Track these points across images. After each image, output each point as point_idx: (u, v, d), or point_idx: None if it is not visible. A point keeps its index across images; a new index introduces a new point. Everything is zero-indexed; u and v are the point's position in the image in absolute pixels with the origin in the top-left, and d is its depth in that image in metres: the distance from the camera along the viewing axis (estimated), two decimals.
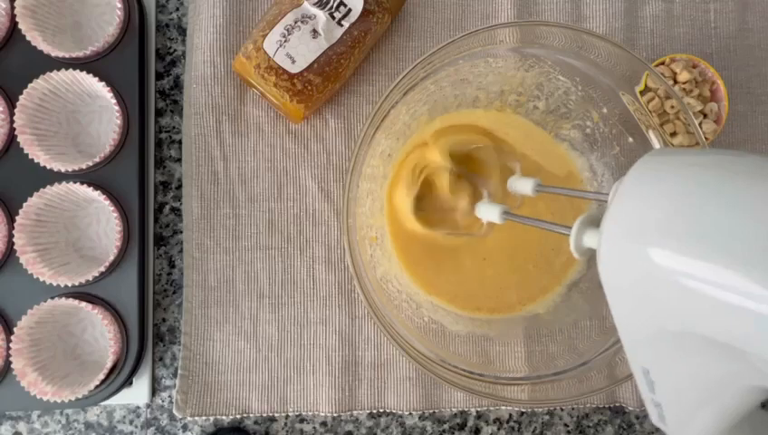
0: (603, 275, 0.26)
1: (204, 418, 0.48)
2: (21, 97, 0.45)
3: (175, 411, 0.47)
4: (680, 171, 0.24)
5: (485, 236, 0.47)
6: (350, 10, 0.45)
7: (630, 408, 0.50)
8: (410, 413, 0.50)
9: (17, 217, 0.44)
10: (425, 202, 0.47)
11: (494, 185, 0.47)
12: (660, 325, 0.24)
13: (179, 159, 0.51)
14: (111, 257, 0.45)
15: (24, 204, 0.45)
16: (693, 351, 0.24)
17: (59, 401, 0.43)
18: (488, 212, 0.41)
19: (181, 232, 0.50)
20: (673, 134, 0.46)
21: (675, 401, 0.27)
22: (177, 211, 0.51)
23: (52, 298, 0.45)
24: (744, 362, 0.22)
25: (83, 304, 0.45)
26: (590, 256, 0.30)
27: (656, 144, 0.43)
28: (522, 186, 0.41)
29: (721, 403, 0.25)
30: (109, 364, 0.45)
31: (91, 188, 0.45)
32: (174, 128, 0.51)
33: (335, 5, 0.45)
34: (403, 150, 0.48)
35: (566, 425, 0.51)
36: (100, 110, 0.50)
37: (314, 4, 0.45)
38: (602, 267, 0.26)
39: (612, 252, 0.26)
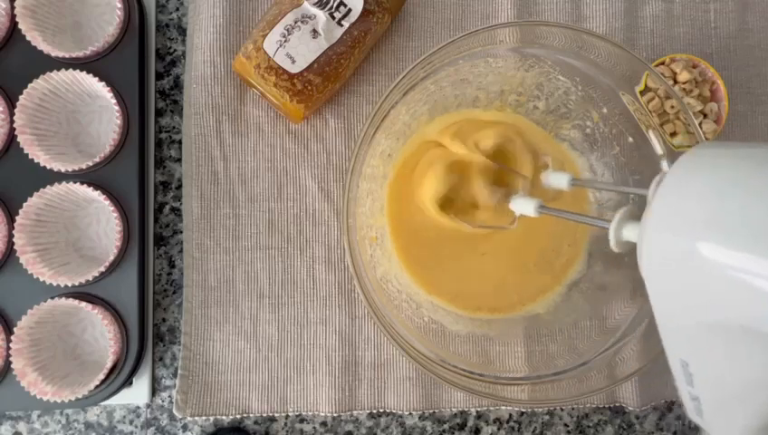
0: (645, 268, 0.26)
1: (204, 418, 0.48)
2: (21, 97, 0.45)
3: (175, 411, 0.47)
4: (728, 165, 0.25)
5: (513, 228, 0.46)
6: (350, 10, 0.45)
7: (630, 408, 0.50)
8: (410, 413, 0.50)
9: (17, 217, 0.44)
10: (451, 196, 0.47)
11: (522, 178, 0.46)
12: (703, 317, 0.25)
13: (179, 159, 0.51)
14: (111, 257, 0.45)
15: (24, 204, 0.45)
16: (735, 343, 0.24)
17: (59, 401, 0.43)
18: (524, 206, 0.40)
19: (181, 232, 0.50)
20: (673, 134, 0.46)
21: (713, 395, 0.27)
22: (177, 211, 0.51)
23: (52, 298, 0.45)
24: None
25: (83, 304, 0.45)
26: (627, 250, 0.30)
27: (656, 144, 0.43)
28: (556, 180, 0.41)
29: (761, 399, 0.25)
30: (109, 364, 0.45)
31: (91, 188, 0.45)
32: (174, 128, 0.51)
33: (335, 5, 0.45)
34: (406, 150, 0.48)
35: (566, 425, 0.51)
36: (100, 110, 0.50)
37: (314, 4, 0.45)
38: (644, 261, 0.26)
39: (655, 245, 0.26)
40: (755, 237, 0.22)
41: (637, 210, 0.30)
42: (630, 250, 0.28)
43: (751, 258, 0.22)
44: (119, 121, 0.47)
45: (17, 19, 0.45)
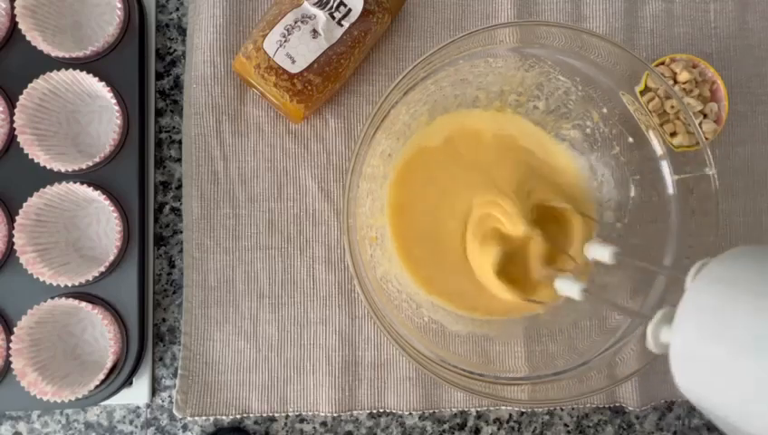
0: (679, 376, 0.26)
1: (204, 418, 0.48)
2: (21, 97, 0.45)
3: (175, 411, 0.47)
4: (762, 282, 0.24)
5: (555, 303, 0.46)
6: (350, 10, 0.45)
7: (630, 408, 0.50)
8: (410, 413, 0.50)
9: (17, 217, 0.44)
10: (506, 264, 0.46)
11: (565, 245, 0.46)
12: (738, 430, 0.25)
13: (179, 159, 0.51)
14: (111, 257, 0.45)
15: (24, 204, 0.44)
16: None
17: (59, 401, 0.43)
18: (569, 288, 0.40)
19: (181, 232, 0.50)
20: (673, 134, 0.46)
21: None
22: (177, 211, 0.51)
23: (52, 298, 0.45)
24: None
25: (83, 304, 0.45)
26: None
27: (656, 144, 0.43)
28: (600, 253, 0.40)
29: None
30: (109, 364, 0.45)
31: (91, 188, 0.45)
32: (174, 128, 0.51)
33: (335, 5, 0.45)
34: (406, 150, 0.48)
35: (566, 425, 0.51)
36: (100, 110, 0.50)
37: (314, 4, 0.45)
38: (677, 367, 0.26)
39: (690, 354, 0.26)
40: None
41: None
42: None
43: None
44: (119, 121, 0.47)
45: (17, 19, 0.45)
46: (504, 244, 0.45)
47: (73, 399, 0.44)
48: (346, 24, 0.45)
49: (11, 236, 0.45)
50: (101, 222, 0.49)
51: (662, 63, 0.50)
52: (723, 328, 0.25)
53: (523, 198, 0.46)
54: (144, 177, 0.48)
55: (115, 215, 0.46)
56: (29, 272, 0.44)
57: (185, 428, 0.49)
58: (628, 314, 0.33)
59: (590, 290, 0.39)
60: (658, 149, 0.43)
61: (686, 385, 0.27)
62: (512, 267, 0.45)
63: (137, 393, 0.48)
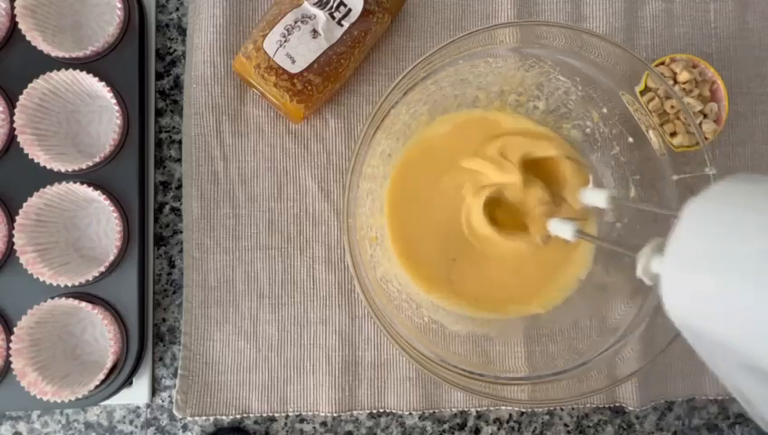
0: (669, 302, 0.26)
1: (204, 418, 0.48)
2: (21, 97, 0.45)
3: (175, 411, 0.47)
4: (761, 205, 0.24)
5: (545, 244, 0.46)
6: (350, 10, 0.45)
7: (630, 408, 0.50)
8: (410, 413, 0.50)
9: (17, 217, 0.44)
10: (494, 207, 0.47)
11: (560, 193, 0.46)
12: (734, 358, 0.24)
13: (179, 159, 0.51)
14: (111, 257, 0.45)
15: (24, 204, 0.45)
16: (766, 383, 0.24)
17: (59, 401, 0.43)
18: (561, 229, 0.40)
19: (181, 232, 0.50)
20: (673, 134, 0.46)
21: None
22: (177, 211, 0.51)
23: (52, 298, 0.45)
24: None
25: (83, 304, 0.45)
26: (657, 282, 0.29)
27: (656, 144, 0.43)
28: (595, 198, 0.40)
29: None
30: (109, 364, 0.45)
31: (91, 188, 0.45)
32: (174, 128, 0.51)
33: (335, 5, 0.45)
34: (406, 150, 0.48)
35: (566, 425, 0.51)
36: (100, 110, 0.50)
37: (314, 4, 0.45)
38: (667, 294, 0.26)
39: (681, 279, 0.25)
40: None
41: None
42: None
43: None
44: (119, 121, 0.47)
45: (17, 19, 0.45)
46: (499, 195, 0.46)
47: (73, 399, 0.44)
48: (346, 24, 0.45)
49: (11, 236, 0.45)
50: (101, 222, 0.49)
51: (662, 63, 0.49)
52: (718, 247, 0.24)
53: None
54: (144, 177, 0.48)
55: (115, 215, 0.46)
56: (29, 272, 0.44)
57: (185, 428, 0.49)
58: (620, 250, 0.33)
59: (583, 231, 0.39)
60: (658, 149, 0.43)
61: (679, 311, 0.26)
62: (508, 219, 0.46)
63: (137, 393, 0.48)
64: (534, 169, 0.47)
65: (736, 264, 0.23)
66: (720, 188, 0.26)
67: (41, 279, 0.44)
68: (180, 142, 0.51)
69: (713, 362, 0.27)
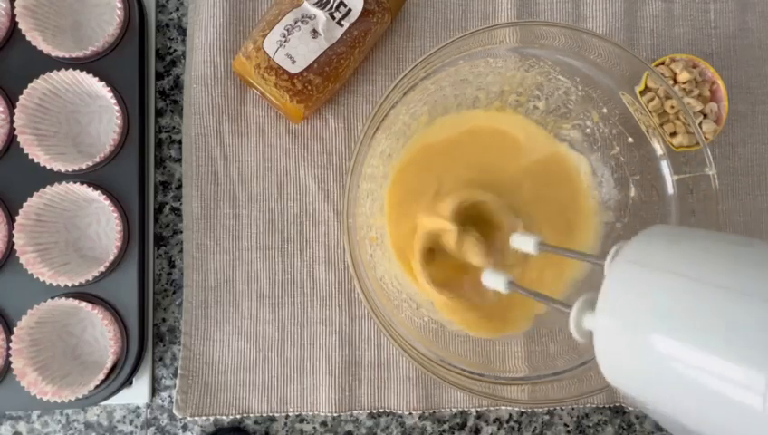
0: (600, 360, 0.27)
1: (204, 418, 0.48)
2: (21, 97, 0.45)
3: (175, 411, 0.47)
4: (681, 254, 0.25)
5: (495, 302, 0.46)
6: (350, 10, 0.45)
7: (630, 408, 0.50)
8: (410, 413, 0.50)
9: (17, 217, 0.44)
10: (438, 263, 0.46)
11: (502, 239, 0.45)
12: (667, 415, 0.25)
13: (179, 159, 0.51)
14: (111, 257, 0.45)
15: (24, 204, 0.45)
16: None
17: (59, 401, 0.43)
18: (494, 281, 0.39)
19: (181, 232, 0.50)
20: (673, 134, 0.46)
21: None
22: (177, 211, 0.51)
23: (52, 298, 0.45)
24: None
25: (83, 304, 0.45)
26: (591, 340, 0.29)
27: (656, 144, 0.43)
28: (523, 243, 0.39)
29: None
30: (109, 364, 0.45)
31: (91, 188, 0.45)
32: (174, 128, 0.51)
33: (335, 5, 0.45)
34: (406, 151, 0.48)
35: (566, 425, 0.51)
36: (100, 110, 0.50)
37: (314, 4, 0.45)
38: (598, 353, 0.27)
39: (607, 337, 0.26)
40: (706, 335, 0.22)
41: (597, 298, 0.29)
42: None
43: (700, 354, 0.22)
44: (119, 121, 0.47)
45: (17, 19, 0.45)
46: (437, 240, 0.46)
47: (73, 399, 0.44)
48: (346, 24, 0.45)
49: (11, 236, 0.45)
50: (101, 222, 0.49)
51: (662, 63, 0.49)
52: (641, 309, 0.25)
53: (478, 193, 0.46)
54: (144, 177, 0.48)
55: (115, 215, 0.46)
56: (29, 272, 0.44)
57: (185, 428, 0.49)
58: (554, 305, 0.33)
59: (516, 282, 0.38)
60: (658, 149, 0.43)
61: (610, 372, 0.27)
62: (453, 273, 0.46)
63: (137, 393, 0.48)
64: (477, 217, 0.46)
65: (653, 318, 0.24)
66: (639, 247, 0.27)
67: (41, 279, 0.44)
68: (180, 142, 0.51)
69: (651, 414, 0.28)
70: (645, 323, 0.25)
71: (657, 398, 0.25)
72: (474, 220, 0.46)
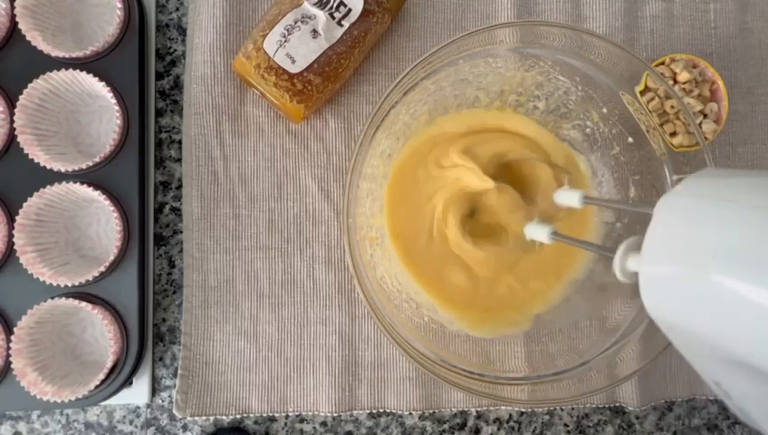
0: (647, 299, 0.25)
1: (204, 418, 0.48)
2: (21, 97, 0.45)
3: (175, 411, 0.47)
4: (736, 192, 0.24)
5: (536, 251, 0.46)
6: (350, 10, 0.45)
7: (630, 408, 0.50)
8: (410, 413, 0.50)
9: (17, 217, 0.44)
10: (471, 220, 0.47)
11: (539, 195, 0.46)
12: (716, 353, 0.24)
13: (179, 159, 0.51)
14: (111, 257, 0.45)
15: (24, 204, 0.44)
16: (746, 375, 0.23)
17: (59, 400, 0.43)
18: (537, 233, 0.40)
19: (181, 232, 0.50)
20: (673, 134, 0.46)
21: (754, 406, 0.26)
22: (177, 211, 0.51)
23: (52, 298, 0.45)
24: None
25: (83, 304, 0.45)
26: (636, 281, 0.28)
27: (656, 144, 0.43)
28: (568, 198, 0.40)
29: None
30: (109, 364, 0.45)
31: (91, 188, 0.45)
32: (174, 128, 0.51)
33: (335, 5, 0.45)
34: (406, 150, 0.48)
35: (566, 425, 0.51)
36: (100, 110, 0.50)
37: (314, 4, 0.45)
38: (645, 291, 0.25)
39: (657, 274, 0.25)
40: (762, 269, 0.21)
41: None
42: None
43: (758, 290, 0.20)
44: (119, 121, 0.47)
45: (17, 19, 0.45)
46: (473, 204, 0.46)
47: (73, 399, 0.44)
48: (346, 24, 0.45)
49: (11, 236, 0.45)
50: (101, 222, 0.49)
51: (662, 63, 0.50)
52: (692, 242, 0.23)
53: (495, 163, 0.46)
54: (144, 177, 0.48)
55: (115, 215, 0.46)
56: (29, 272, 0.44)
57: (185, 428, 0.49)
58: (598, 250, 0.32)
59: (560, 233, 0.38)
60: (658, 149, 0.43)
61: (657, 309, 0.26)
62: (486, 229, 0.46)
63: (137, 393, 0.48)
64: (508, 173, 0.46)
65: (712, 256, 0.23)
66: (690, 182, 0.26)
67: (41, 279, 0.44)
68: (180, 142, 0.51)
69: (692, 357, 0.27)
70: (700, 259, 0.23)
71: (709, 333, 0.23)
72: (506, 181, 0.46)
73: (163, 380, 0.49)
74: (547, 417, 0.51)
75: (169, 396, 0.49)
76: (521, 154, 0.47)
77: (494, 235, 0.47)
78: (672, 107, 0.45)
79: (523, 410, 0.50)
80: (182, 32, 0.52)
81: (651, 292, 0.26)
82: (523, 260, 0.47)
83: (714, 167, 0.27)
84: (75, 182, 0.45)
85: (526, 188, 0.47)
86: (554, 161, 0.47)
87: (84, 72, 0.45)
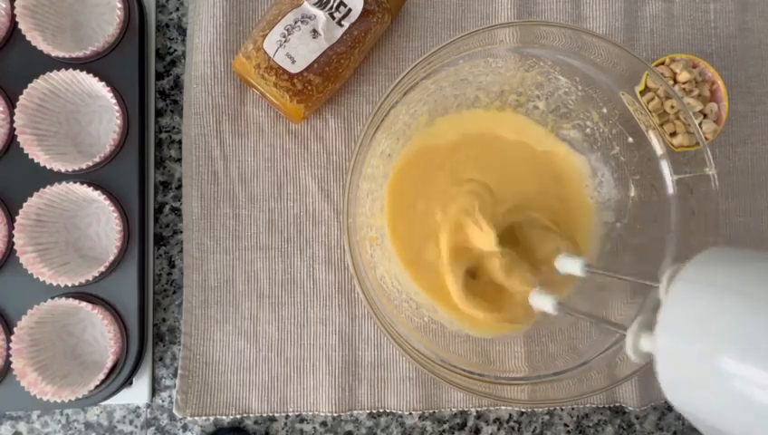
0: (663, 381, 0.26)
1: (204, 418, 0.48)
2: (21, 97, 0.45)
3: (175, 411, 0.47)
4: (747, 274, 0.24)
5: (534, 321, 0.45)
6: (350, 10, 0.45)
7: (630, 408, 0.50)
8: (410, 413, 0.50)
9: (17, 217, 0.44)
10: (472, 283, 0.46)
11: (541, 256, 0.45)
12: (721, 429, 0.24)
13: (179, 159, 0.51)
14: (111, 257, 0.45)
15: (24, 204, 0.44)
16: None
17: (59, 400, 0.43)
18: (542, 302, 0.40)
19: (181, 232, 0.50)
20: (673, 134, 0.46)
21: None
22: (177, 211, 0.51)
23: (52, 298, 0.45)
24: None
25: (83, 304, 0.45)
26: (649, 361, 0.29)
27: (656, 144, 0.43)
28: (569, 265, 0.40)
29: None
30: (109, 364, 0.45)
31: (91, 188, 0.45)
32: (174, 128, 0.51)
33: (335, 5, 0.45)
34: (406, 151, 0.48)
35: (566, 425, 0.51)
36: (100, 110, 0.50)
37: (314, 4, 0.45)
38: (661, 374, 0.26)
39: (671, 357, 0.25)
40: None
41: (653, 318, 0.28)
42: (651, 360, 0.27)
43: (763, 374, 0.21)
44: (119, 121, 0.47)
45: (17, 19, 0.45)
46: (477, 259, 0.45)
47: (73, 399, 0.44)
48: (346, 24, 0.45)
49: (11, 236, 0.45)
50: (101, 222, 0.49)
51: (662, 63, 0.49)
52: (708, 330, 0.24)
53: (505, 209, 0.45)
54: (144, 177, 0.48)
55: (115, 215, 0.46)
56: (29, 272, 0.44)
57: (185, 428, 0.49)
58: (609, 326, 0.33)
59: (565, 304, 0.39)
60: (658, 149, 0.43)
61: (674, 393, 0.26)
62: (488, 287, 0.45)
63: (137, 393, 0.48)
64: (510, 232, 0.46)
65: (730, 344, 0.23)
66: (701, 267, 0.26)
67: (41, 279, 0.44)
68: (180, 142, 0.51)
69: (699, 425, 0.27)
70: (711, 344, 0.24)
71: (723, 419, 0.24)
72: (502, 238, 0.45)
73: (163, 380, 0.49)
74: (547, 417, 0.51)
75: (169, 396, 0.49)
76: (538, 217, 0.46)
77: (496, 295, 0.46)
78: (672, 107, 0.45)
79: (523, 410, 0.50)
80: (182, 32, 0.52)
81: (667, 375, 0.26)
82: (523, 262, 0.47)
83: (716, 247, 0.28)
84: (75, 182, 0.45)
85: (528, 246, 0.46)
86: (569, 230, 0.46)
87: (84, 72, 0.45)
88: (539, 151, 0.49)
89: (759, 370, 0.22)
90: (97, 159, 0.46)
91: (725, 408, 0.24)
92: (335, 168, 0.50)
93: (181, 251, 0.50)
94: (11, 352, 0.43)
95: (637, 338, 0.29)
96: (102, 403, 0.47)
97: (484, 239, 0.43)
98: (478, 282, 0.46)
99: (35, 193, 0.45)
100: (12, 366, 0.43)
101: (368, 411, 0.49)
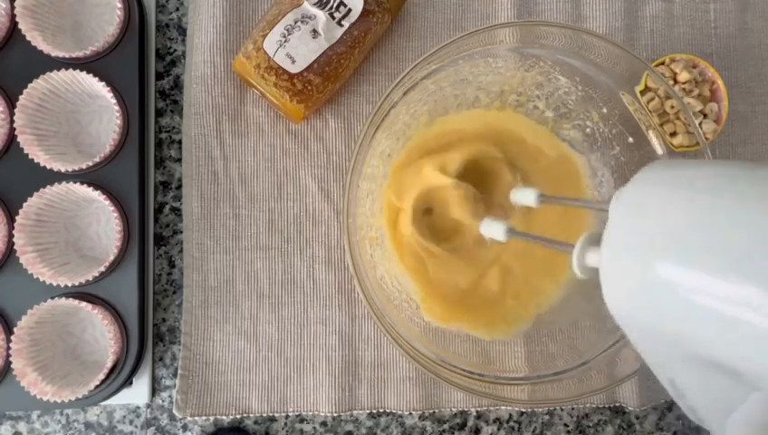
0: (607, 294, 0.26)
1: (204, 418, 0.48)
2: (21, 97, 0.45)
3: (175, 411, 0.47)
4: (684, 185, 0.24)
5: (493, 251, 0.47)
6: (350, 10, 0.45)
7: (630, 408, 0.50)
8: (410, 413, 0.50)
9: (17, 217, 0.44)
10: (431, 220, 0.47)
11: (500, 195, 0.46)
12: (671, 348, 0.24)
13: (179, 159, 0.51)
14: (111, 257, 0.45)
15: (24, 204, 0.44)
16: (701, 370, 0.24)
17: (59, 400, 0.43)
18: (492, 229, 0.39)
19: (181, 232, 0.50)
20: (673, 134, 0.46)
21: (705, 407, 0.27)
22: (177, 211, 0.51)
23: (52, 298, 0.45)
24: (750, 385, 0.22)
25: (83, 304, 0.45)
26: (593, 277, 0.29)
27: (656, 144, 0.43)
28: (524, 197, 0.40)
29: (744, 412, 0.24)
30: (109, 364, 0.45)
31: (91, 188, 0.45)
32: (174, 128, 0.51)
33: (335, 5, 0.45)
34: (406, 150, 0.48)
35: (566, 425, 0.51)
36: (100, 110, 0.50)
37: (314, 4, 0.45)
38: (605, 287, 0.26)
39: (614, 268, 0.25)
40: (713, 258, 0.21)
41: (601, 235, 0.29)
42: (596, 276, 0.27)
43: (707, 278, 0.21)
44: (119, 121, 0.47)
45: (17, 19, 0.45)
46: (433, 200, 0.46)
47: (73, 399, 0.44)
48: (346, 24, 0.45)
49: (11, 236, 0.45)
50: (101, 222, 0.49)
51: (662, 63, 0.50)
52: (645, 232, 0.24)
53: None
54: (144, 177, 0.48)
55: (115, 215, 0.46)
56: (29, 272, 0.44)
57: (185, 428, 0.49)
58: (555, 246, 0.32)
59: (515, 229, 0.38)
60: (658, 149, 0.43)
61: (617, 304, 0.26)
62: (445, 227, 0.46)
63: (137, 393, 0.48)
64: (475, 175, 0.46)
65: (667, 246, 0.23)
66: (644, 175, 0.26)
67: (41, 279, 0.44)
68: (180, 142, 0.51)
69: (648, 354, 0.27)
70: (655, 250, 0.23)
71: (664, 327, 0.24)
72: (474, 182, 0.46)
73: (163, 380, 0.49)
74: (547, 417, 0.51)
75: (169, 396, 0.49)
76: (485, 153, 0.47)
77: (456, 234, 0.47)
78: (672, 107, 0.45)
79: (523, 410, 0.50)
80: (182, 32, 0.52)
81: (611, 287, 0.26)
82: (522, 260, 0.47)
83: (655, 162, 0.27)
84: (75, 182, 0.45)
85: (492, 190, 0.47)
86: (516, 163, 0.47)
87: (84, 72, 0.45)
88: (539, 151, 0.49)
89: (695, 272, 0.22)
90: (97, 159, 0.46)
91: (666, 313, 0.23)
92: (335, 168, 0.50)
93: (181, 251, 0.50)
94: (11, 352, 0.43)
95: (583, 253, 0.29)
96: (102, 403, 0.47)
97: (439, 175, 0.45)
98: (435, 218, 0.47)
99: (35, 193, 0.45)
100: (12, 366, 0.43)
101: (368, 411, 0.49)
